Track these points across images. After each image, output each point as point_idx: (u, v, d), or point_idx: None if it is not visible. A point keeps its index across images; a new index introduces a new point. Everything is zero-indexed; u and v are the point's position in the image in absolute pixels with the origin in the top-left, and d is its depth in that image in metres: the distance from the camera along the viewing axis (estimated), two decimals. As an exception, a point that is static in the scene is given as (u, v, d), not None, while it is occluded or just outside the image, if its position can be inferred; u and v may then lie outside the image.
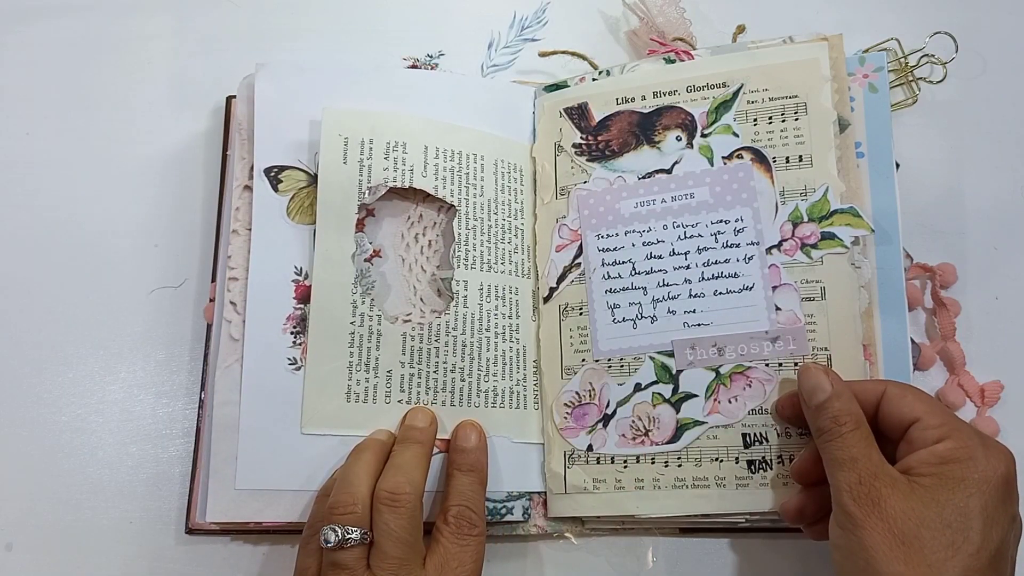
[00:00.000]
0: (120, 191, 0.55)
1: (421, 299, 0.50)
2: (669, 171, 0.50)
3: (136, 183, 0.55)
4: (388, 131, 0.49)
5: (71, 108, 0.56)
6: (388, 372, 0.47)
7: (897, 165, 0.49)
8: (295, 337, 0.47)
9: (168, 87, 0.57)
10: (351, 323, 0.47)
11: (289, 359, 0.47)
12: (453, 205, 0.50)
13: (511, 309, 0.50)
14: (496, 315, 0.49)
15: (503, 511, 0.47)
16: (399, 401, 0.47)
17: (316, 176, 0.49)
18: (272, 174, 0.49)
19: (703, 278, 0.48)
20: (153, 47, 0.58)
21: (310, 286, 0.47)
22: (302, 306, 0.47)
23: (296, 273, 0.48)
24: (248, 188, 0.49)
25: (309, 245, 0.48)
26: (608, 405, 0.48)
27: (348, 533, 0.41)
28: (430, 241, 0.51)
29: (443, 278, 0.50)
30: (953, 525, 0.37)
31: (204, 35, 0.58)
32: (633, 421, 0.48)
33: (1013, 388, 0.51)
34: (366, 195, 0.49)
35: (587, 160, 0.51)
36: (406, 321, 0.50)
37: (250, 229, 0.48)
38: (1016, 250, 0.54)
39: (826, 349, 0.46)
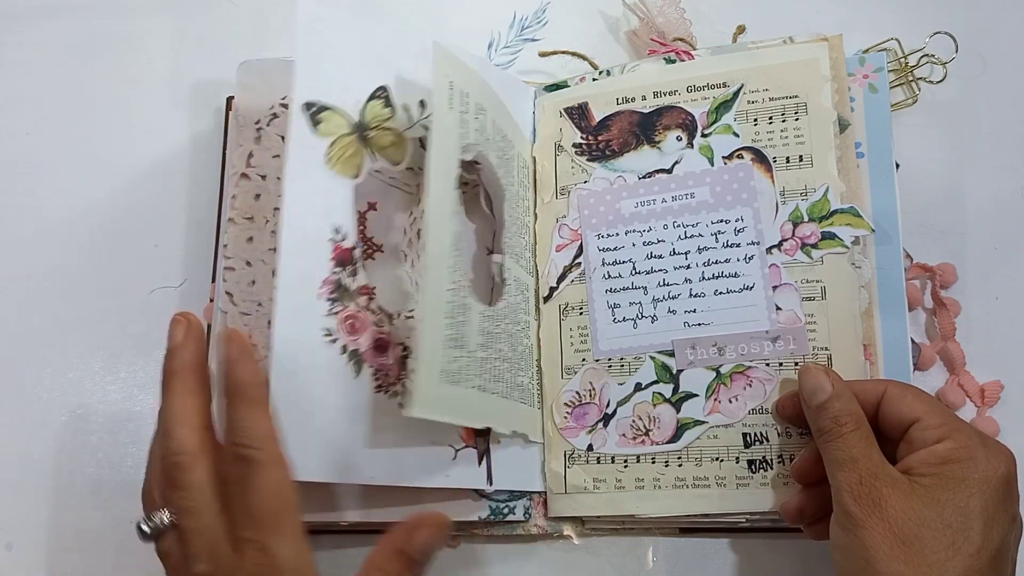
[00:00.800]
0: (120, 191, 0.55)
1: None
2: (669, 171, 0.50)
3: (136, 183, 0.55)
4: (477, 93, 0.46)
5: (71, 108, 0.56)
6: (471, 352, 0.43)
7: (897, 165, 0.49)
8: (332, 305, 0.42)
9: (168, 87, 0.57)
10: (449, 291, 0.42)
11: (324, 330, 0.42)
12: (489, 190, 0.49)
13: (528, 304, 0.50)
14: (519, 309, 0.49)
15: (504, 511, 0.47)
16: (477, 387, 0.44)
17: (360, 124, 0.44)
18: (312, 111, 0.43)
19: (703, 278, 0.48)
20: (153, 47, 0.58)
21: (351, 248, 0.43)
22: (340, 270, 0.43)
23: (335, 232, 0.43)
24: (245, 176, 0.49)
25: (351, 201, 0.44)
26: (608, 405, 0.48)
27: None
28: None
29: (496, 262, 0.49)
30: (953, 525, 0.37)
31: (204, 35, 0.58)
32: (633, 421, 0.48)
33: (1013, 388, 0.51)
34: (462, 152, 0.44)
35: (587, 160, 0.51)
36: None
37: (249, 218, 0.47)
38: (1016, 250, 0.54)
39: (826, 349, 0.46)
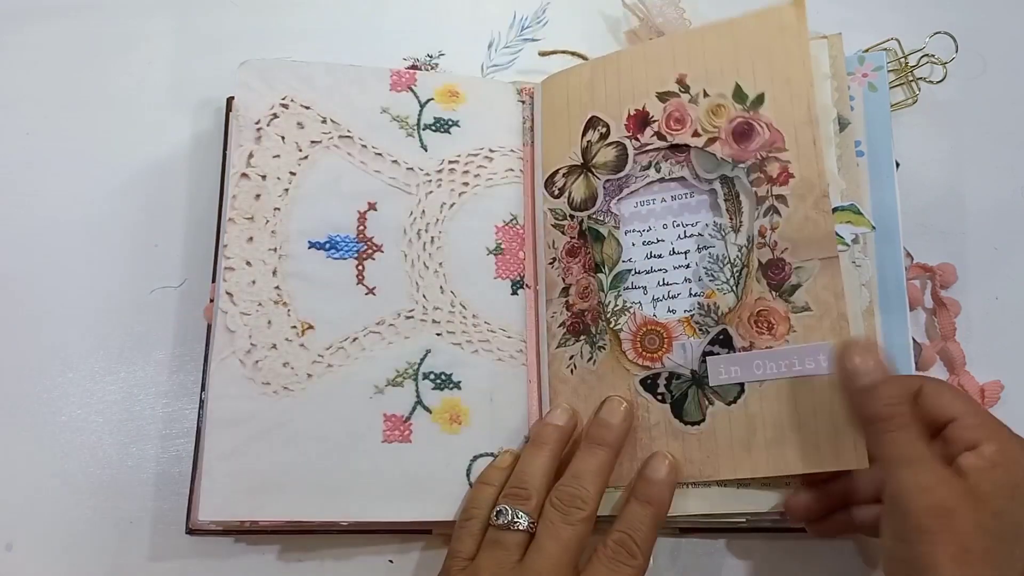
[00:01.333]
0: (120, 191, 0.55)
1: (424, 295, 0.50)
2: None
3: (136, 183, 0.55)
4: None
5: (71, 108, 0.56)
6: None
7: (897, 164, 0.49)
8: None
9: (168, 87, 0.57)
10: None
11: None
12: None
13: None
14: None
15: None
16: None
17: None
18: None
19: (703, 277, 0.48)
20: (153, 47, 0.58)
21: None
22: None
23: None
24: (245, 176, 0.49)
25: None
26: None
27: (517, 517, 0.42)
28: (432, 237, 0.51)
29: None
30: (1009, 538, 0.34)
31: (204, 35, 0.58)
32: (633, 421, 0.48)
33: (1013, 388, 0.51)
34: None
35: (587, 160, 0.51)
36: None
37: (249, 218, 0.48)
38: (1016, 250, 0.54)
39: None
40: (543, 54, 0.56)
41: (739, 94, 0.48)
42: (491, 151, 0.53)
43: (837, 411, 0.43)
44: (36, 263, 0.53)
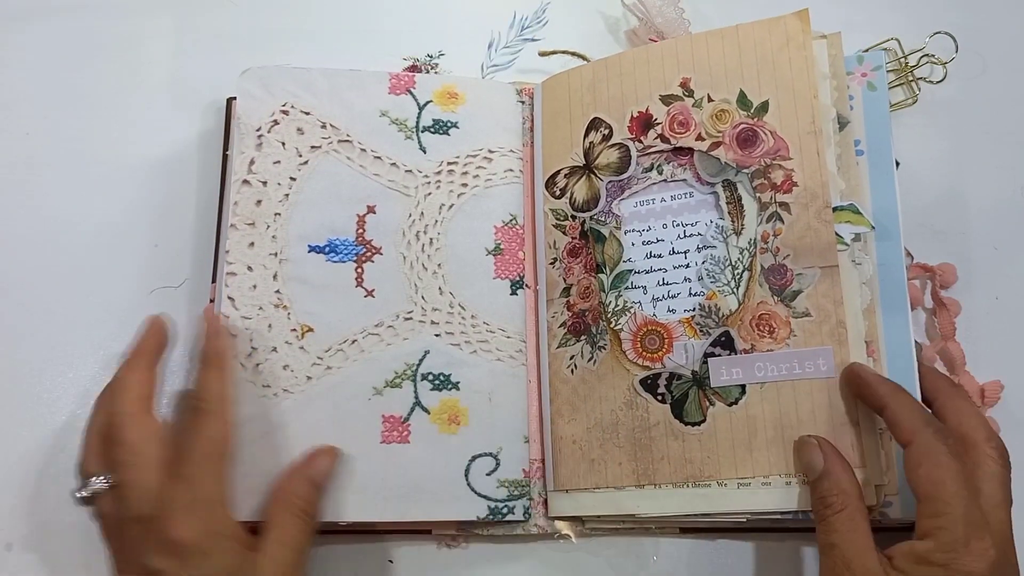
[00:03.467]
0: (120, 191, 0.55)
1: (423, 297, 0.50)
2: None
3: (136, 183, 0.55)
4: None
5: (71, 108, 0.56)
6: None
7: (897, 163, 0.49)
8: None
9: (168, 87, 0.57)
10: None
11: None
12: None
13: None
14: None
15: (503, 511, 0.47)
16: None
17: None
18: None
19: (702, 277, 0.48)
20: (153, 47, 0.58)
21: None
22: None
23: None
24: (247, 183, 0.49)
25: None
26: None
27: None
28: (431, 239, 0.51)
29: None
30: None
31: (204, 35, 0.58)
32: (633, 421, 0.48)
33: (1013, 388, 0.51)
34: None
35: (587, 160, 0.51)
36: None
37: (250, 224, 0.49)
38: (1016, 250, 0.54)
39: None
40: (543, 54, 0.56)
41: (743, 100, 0.48)
42: (490, 151, 0.53)
43: (835, 414, 0.44)
44: (36, 263, 0.53)
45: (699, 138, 0.49)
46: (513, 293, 0.51)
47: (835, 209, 0.46)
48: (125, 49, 0.58)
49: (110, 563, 0.42)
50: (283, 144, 0.51)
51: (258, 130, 0.51)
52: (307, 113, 0.52)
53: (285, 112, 0.51)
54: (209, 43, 0.58)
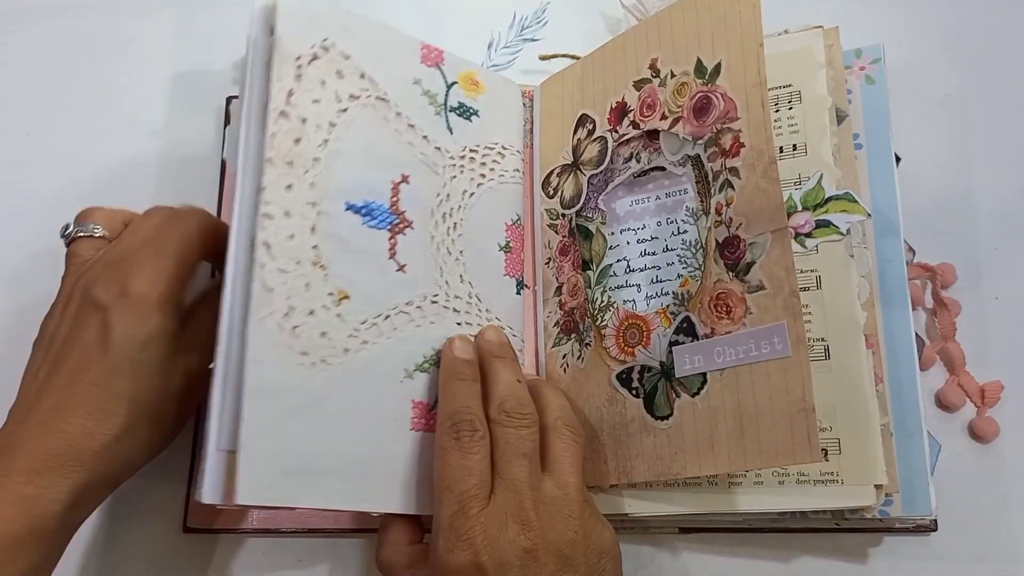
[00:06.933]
0: (120, 191, 0.55)
1: (447, 281, 0.48)
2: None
3: (136, 183, 0.55)
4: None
5: (71, 108, 0.56)
6: None
7: (898, 158, 0.49)
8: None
9: (168, 87, 0.57)
10: None
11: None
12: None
13: None
14: None
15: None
16: None
17: None
18: None
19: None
20: (153, 47, 0.58)
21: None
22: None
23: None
24: (284, 115, 0.44)
25: None
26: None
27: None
28: (456, 223, 0.49)
29: None
30: None
31: (204, 35, 0.58)
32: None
33: (1013, 388, 0.51)
34: None
35: (586, 159, 0.51)
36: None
37: (288, 163, 0.44)
38: (1016, 250, 0.54)
39: (823, 340, 0.45)
40: (543, 58, 0.56)
41: (699, 68, 0.46)
42: (504, 148, 0.52)
43: (792, 399, 0.40)
44: (35, 263, 0.53)
45: (663, 117, 0.47)
46: (518, 293, 0.51)
47: (829, 199, 0.45)
48: (125, 49, 0.58)
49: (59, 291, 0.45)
50: (323, 83, 0.46)
51: (297, 59, 0.45)
52: (347, 57, 0.47)
53: (325, 48, 0.46)
54: (209, 43, 0.58)
